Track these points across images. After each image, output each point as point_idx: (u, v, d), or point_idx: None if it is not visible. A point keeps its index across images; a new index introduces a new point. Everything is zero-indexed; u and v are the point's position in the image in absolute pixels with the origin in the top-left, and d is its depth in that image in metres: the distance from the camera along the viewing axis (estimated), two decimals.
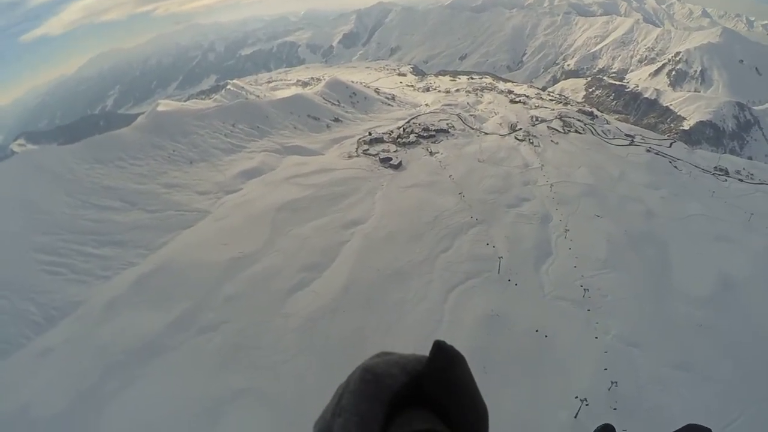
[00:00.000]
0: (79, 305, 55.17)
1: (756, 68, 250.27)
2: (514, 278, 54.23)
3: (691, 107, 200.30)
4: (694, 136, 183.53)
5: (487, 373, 39.92)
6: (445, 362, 2.04)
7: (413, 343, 43.52)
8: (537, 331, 46.26)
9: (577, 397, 38.28)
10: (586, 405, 37.74)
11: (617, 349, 45.43)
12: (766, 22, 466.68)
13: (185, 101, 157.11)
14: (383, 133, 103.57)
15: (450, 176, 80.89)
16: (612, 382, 40.49)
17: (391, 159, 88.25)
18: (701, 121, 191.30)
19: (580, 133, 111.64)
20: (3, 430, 39.63)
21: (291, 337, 45.65)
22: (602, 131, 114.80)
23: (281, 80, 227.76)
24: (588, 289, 52.66)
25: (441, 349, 2.05)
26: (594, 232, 65.39)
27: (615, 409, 38.96)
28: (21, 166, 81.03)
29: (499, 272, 54.88)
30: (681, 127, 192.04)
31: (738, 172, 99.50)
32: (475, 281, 53.01)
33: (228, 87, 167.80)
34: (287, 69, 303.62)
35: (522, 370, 41.83)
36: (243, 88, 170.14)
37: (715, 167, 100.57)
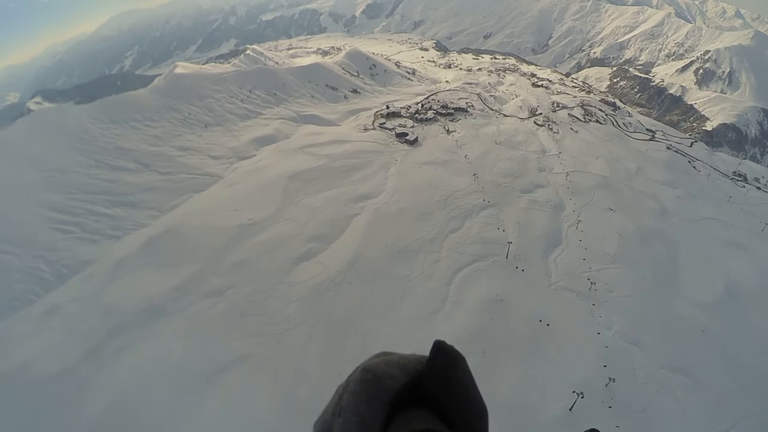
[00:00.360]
0: (88, 264, 56.02)
1: None
2: (521, 264, 53.77)
3: (716, 108, 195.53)
4: (715, 138, 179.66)
5: (486, 357, 40.06)
6: (445, 362, 2.05)
7: (415, 321, 43.77)
8: (540, 320, 45.96)
9: (574, 392, 38.15)
10: (582, 398, 37.64)
11: (618, 345, 45.08)
12: None
13: (203, 64, 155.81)
14: (401, 108, 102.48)
15: (465, 156, 79.87)
16: (610, 379, 40.29)
17: (407, 134, 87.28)
18: (724, 124, 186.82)
19: (600, 123, 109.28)
20: (5, 386, 40.25)
21: (295, 307, 45.92)
22: (623, 123, 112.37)
23: (301, 48, 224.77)
24: (594, 283, 52.11)
25: (441, 349, 2.07)
26: (606, 226, 64.42)
27: (610, 407, 38.77)
28: (36, 125, 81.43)
29: (507, 257, 54.43)
30: (703, 127, 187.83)
31: (757, 179, 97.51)
32: (482, 264, 52.62)
33: (247, 52, 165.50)
34: (308, 37, 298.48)
35: (521, 357, 41.73)
36: (262, 53, 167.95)
37: (734, 172, 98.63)
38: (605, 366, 42.06)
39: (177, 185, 73.51)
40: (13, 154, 72.99)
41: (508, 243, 56.01)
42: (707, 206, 77.06)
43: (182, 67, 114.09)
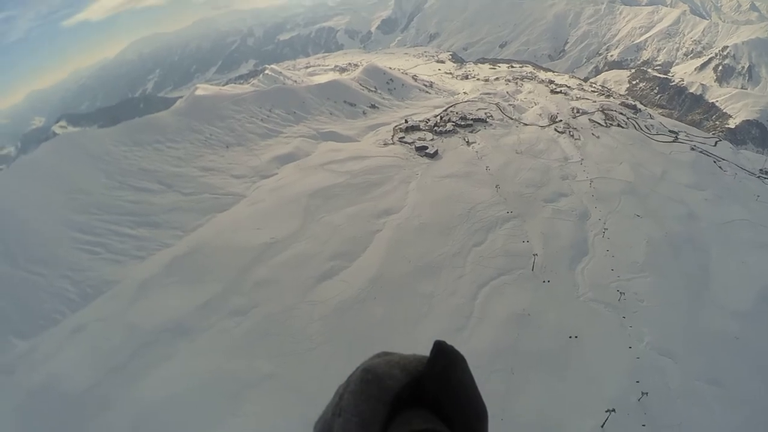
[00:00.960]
0: (113, 284, 56.68)
1: None
2: (547, 276, 52.71)
3: (738, 105, 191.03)
4: (739, 135, 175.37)
5: (514, 375, 39.13)
6: (445, 363, 2.06)
7: (441, 338, 42.74)
8: (570, 332, 44.84)
9: (607, 411, 36.82)
10: (614, 413, 36.33)
11: (650, 357, 43.63)
12: None
13: (223, 85, 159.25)
14: (420, 121, 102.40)
15: (486, 167, 79.15)
16: (642, 393, 38.94)
17: (426, 147, 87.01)
18: (747, 120, 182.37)
19: (622, 127, 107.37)
20: (33, 402, 41.11)
21: (318, 326, 45.79)
22: (645, 126, 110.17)
23: (319, 66, 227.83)
24: (623, 293, 50.68)
25: (441, 349, 2.08)
26: (633, 233, 62.91)
27: (644, 425, 37.42)
28: (62, 148, 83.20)
29: (533, 270, 53.44)
30: (726, 125, 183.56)
31: None
32: (508, 278, 51.79)
33: (266, 72, 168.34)
34: (325, 54, 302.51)
35: (550, 373, 40.67)
36: (281, 73, 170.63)
37: (761, 170, 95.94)
38: (638, 382, 40.56)
39: (200, 205, 74.31)
40: (39, 176, 74.74)
41: (534, 255, 54.99)
42: (735, 207, 75.03)
43: (202, 89, 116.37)
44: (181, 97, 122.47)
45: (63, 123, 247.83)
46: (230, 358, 43.84)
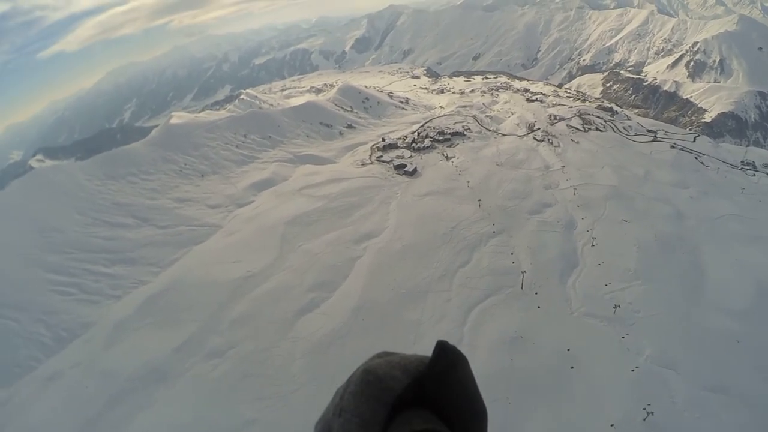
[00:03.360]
0: (88, 327, 54.80)
1: None
2: (538, 294, 50.40)
3: (712, 98, 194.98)
4: (716, 129, 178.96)
5: (511, 404, 36.63)
6: (447, 363, 2.06)
7: None
8: (566, 352, 42.43)
9: (613, 425, 34.53)
10: None
11: (652, 371, 41.38)
12: None
13: (200, 112, 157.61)
14: (397, 139, 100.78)
15: (467, 182, 77.23)
16: (648, 412, 36.68)
17: (405, 165, 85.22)
18: (723, 113, 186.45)
19: (600, 130, 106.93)
20: None
21: (300, 364, 42.93)
22: (624, 128, 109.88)
23: (295, 88, 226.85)
24: (619, 305, 48.51)
25: (444, 349, 2.07)
26: (622, 239, 61.19)
27: None
28: (33, 185, 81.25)
29: (522, 287, 51.12)
30: (702, 120, 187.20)
31: (766, 165, 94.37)
32: (497, 298, 49.35)
33: (241, 97, 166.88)
34: (301, 76, 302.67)
35: (549, 399, 38.17)
36: (256, 97, 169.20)
37: (742, 161, 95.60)
38: (648, 405, 38.26)
39: (176, 238, 72.13)
40: (10, 215, 72.66)
41: (522, 273, 52.70)
42: (722, 202, 74.28)
43: (177, 117, 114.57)
44: (158, 125, 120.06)
45: (40, 157, 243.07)
46: (210, 404, 41.07)
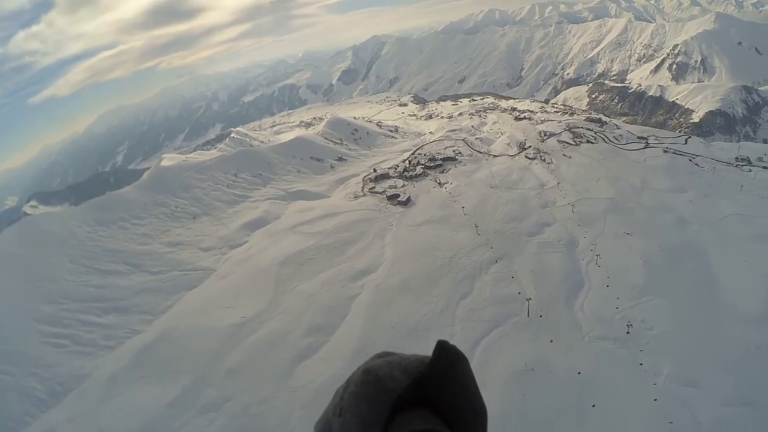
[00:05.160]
0: (82, 379, 52.98)
1: (755, 48, 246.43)
2: (545, 321, 48.05)
3: (698, 98, 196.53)
4: (705, 128, 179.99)
5: None
6: (447, 363, 2.07)
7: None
8: (581, 383, 39.95)
9: None
10: None
11: (672, 392, 38.91)
12: (754, 0, 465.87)
13: (192, 152, 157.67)
14: (388, 168, 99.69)
15: (462, 208, 75.57)
16: None
17: (398, 195, 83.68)
18: (710, 111, 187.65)
19: (592, 142, 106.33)
20: None
21: (299, 416, 40.29)
22: (614, 137, 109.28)
23: (284, 123, 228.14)
24: (631, 324, 46.41)
25: (444, 349, 2.08)
26: (627, 253, 59.26)
27: None
28: (24, 234, 79.92)
29: (528, 315, 48.88)
30: (691, 120, 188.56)
31: (760, 159, 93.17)
32: (503, 329, 46.97)
33: (232, 135, 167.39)
34: (290, 111, 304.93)
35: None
36: (246, 134, 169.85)
37: (737, 158, 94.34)
38: (671, 423, 35.92)
39: (169, 284, 70.00)
40: (1, 265, 71.10)
41: (527, 300, 50.45)
42: (723, 202, 72.55)
43: (167, 159, 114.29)
44: (150, 167, 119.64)
45: (34, 203, 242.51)
46: None
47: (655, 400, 38.21)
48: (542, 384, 39.87)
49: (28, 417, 48.96)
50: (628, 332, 45.77)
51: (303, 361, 46.48)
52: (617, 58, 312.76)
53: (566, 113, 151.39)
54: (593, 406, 37.76)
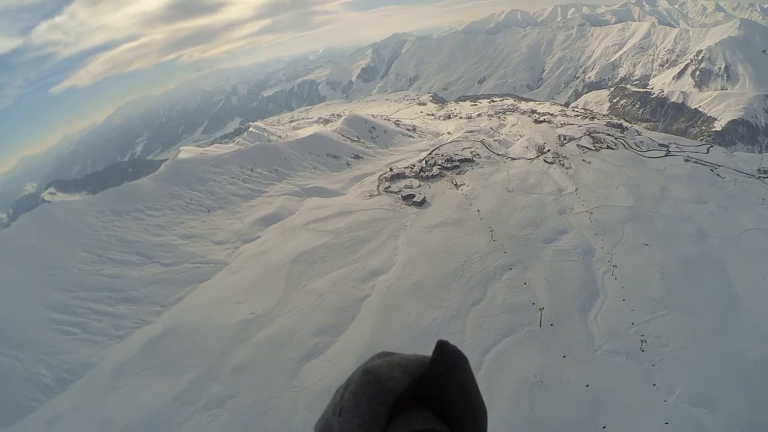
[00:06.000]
0: (90, 368, 53.31)
1: None
2: (558, 331, 47.00)
3: (721, 106, 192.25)
4: (727, 137, 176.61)
5: None
6: (447, 363, 2.06)
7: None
8: (591, 398, 38.77)
9: None
10: None
11: (684, 412, 37.69)
12: None
13: (210, 145, 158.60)
14: (405, 168, 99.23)
15: (477, 211, 74.57)
16: None
17: (414, 195, 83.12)
18: (733, 120, 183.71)
19: (612, 148, 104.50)
20: None
21: (303, 417, 39.94)
22: (635, 144, 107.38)
23: (303, 119, 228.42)
24: (645, 340, 45.09)
25: (444, 349, 2.07)
26: (644, 265, 57.83)
27: None
28: (39, 222, 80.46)
29: (540, 325, 47.85)
30: (713, 129, 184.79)
31: None
32: (514, 338, 46.04)
33: (250, 129, 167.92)
34: (308, 107, 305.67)
35: None
36: (264, 129, 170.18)
37: (759, 169, 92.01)
38: None
39: (180, 276, 70.27)
40: (17, 252, 71.81)
41: (540, 310, 49.31)
42: (744, 215, 70.95)
43: (185, 152, 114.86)
44: (168, 159, 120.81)
45: (52, 189, 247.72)
46: None
47: (666, 423, 36.93)
48: (551, 397, 38.90)
49: (35, 402, 49.32)
50: (641, 348, 44.51)
51: (309, 361, 46.22)
52: (640, 62, 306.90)
53: (586, 117, 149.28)
54: (604, 427, 36.67)
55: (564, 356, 44.02)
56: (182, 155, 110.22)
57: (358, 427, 1.92)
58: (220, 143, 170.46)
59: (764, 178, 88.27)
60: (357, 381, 2.04)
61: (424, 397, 2.03)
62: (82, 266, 71.49)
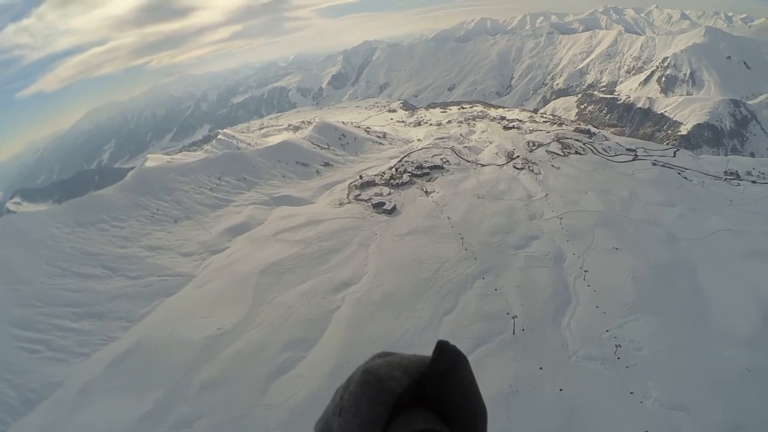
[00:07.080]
0: (56, 387, 51.21)
1: (744, 62, 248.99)
2: (531, 339, 46.59)
3: (686, 111, 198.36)
4: (693, 140, 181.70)
5: None
6: (447, 363, 2.06)
7: None
8: (567, 406, 38.48)
9: None
10: None
11: (661, 416, 37.63)
12: (743, 15, 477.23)
13: (178, 153, 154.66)
14: (375, 176, 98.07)
15: (448, 218, 74.16)
16: None
17: (384, 203, 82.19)
18: (698, 124, 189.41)
19: (580, 153, 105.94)
20: None
21: None
22: (603, 149, 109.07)
23: (272, 126, 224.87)
24: (619, 344, 45.19)
25: (444, 349, 2.08)
26: (615, 269, 58.18)
27: None
28: (3, 233, 77.49)
29: (513, 333, 47.43)
30: (679, 133, 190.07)
31: (749, 173, 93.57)
32: (487, 348, 45.41)
33: (218, 137, 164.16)
34: (278, 114, 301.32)
35: None
36: (234, 136, 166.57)
37: (725, 171, 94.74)
38: None
39: (147, 290, 67.79)
40: None
41: (513, 318, 48.97)
42: (712, 217, 72.36)
43: (152, 160, 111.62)
44: (135, 167, 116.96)
45: (17, 199, 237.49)
46: None
47: (642, 415, 37.07)
48: (527, 407, 38.34)
49: (1, 424, 47.28)
50: (616, 353, 44.55)
51: (279, 377, 44.58)
52: (607, 69, 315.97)
53: (555, 123, 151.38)
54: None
55: (540, 366, 43.55)
56: (149, 164, 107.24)
57: (358, 427, 1.92)
58: (188, 151, 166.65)
59: (730, 180, 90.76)
60: (357, 381, 2.03)
61: (424, 397, 2.02)
62: (45, 280, 68.78)
